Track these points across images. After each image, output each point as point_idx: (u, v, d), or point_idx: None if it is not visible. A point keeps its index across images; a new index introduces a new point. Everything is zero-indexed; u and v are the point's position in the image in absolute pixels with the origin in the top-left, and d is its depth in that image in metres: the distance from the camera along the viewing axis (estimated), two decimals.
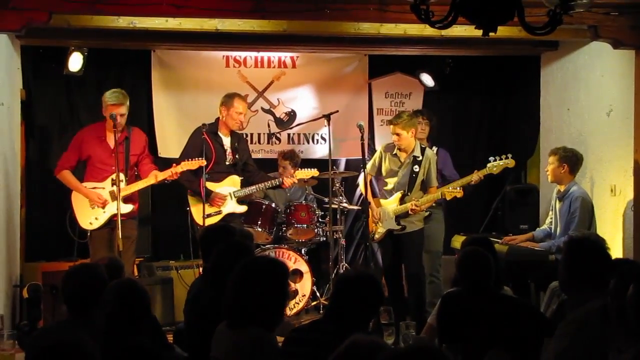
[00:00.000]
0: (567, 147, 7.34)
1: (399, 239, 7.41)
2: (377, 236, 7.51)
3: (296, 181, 7.65)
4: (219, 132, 7.51)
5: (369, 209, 7.45)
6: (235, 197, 7.46)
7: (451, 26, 4.07)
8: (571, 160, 7.19)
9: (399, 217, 7.38)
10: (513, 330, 4.46)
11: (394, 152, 7.44)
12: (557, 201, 7.23)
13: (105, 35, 7.45)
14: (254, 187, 7.53)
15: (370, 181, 7.71)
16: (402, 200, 7.36)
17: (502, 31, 4.24)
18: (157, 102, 8.72)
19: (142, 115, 7.82)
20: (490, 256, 4.80)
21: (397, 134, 7.32)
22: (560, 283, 4.38)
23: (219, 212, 7.39)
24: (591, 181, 7.54)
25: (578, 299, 4.01)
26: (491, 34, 4.08)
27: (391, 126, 7.38)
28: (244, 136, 8.31)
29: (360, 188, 7.59)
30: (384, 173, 7.53)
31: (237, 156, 7.55)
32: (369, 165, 7.60)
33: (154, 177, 7.20)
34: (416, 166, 7.36)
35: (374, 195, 7.71)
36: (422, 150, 7.42)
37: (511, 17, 4.04)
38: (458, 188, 7.41)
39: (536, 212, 8.37)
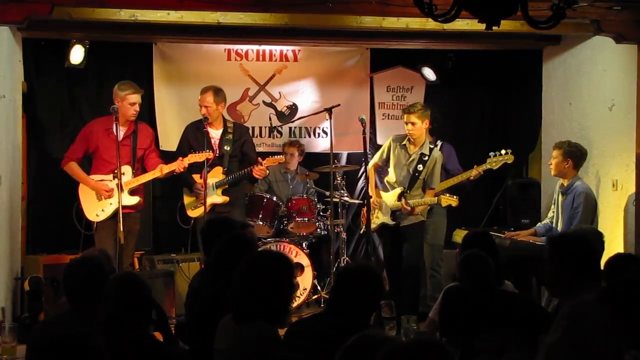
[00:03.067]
0: (572, 142, 7.31)
1: (399, 232, 7.40)
2: (373, 226, 7.47)
3: (264, 169, 7.54)
4: (206, 126, 7.50)
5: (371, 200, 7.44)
6: (216, 187, 7.49)
7: (454, 20, 4.06)
8: (575, 156, 7.18)
9: (394, 212, 7.37)
10: (513, 326, 4.47)
11: (403, 143, 7.39)
12: (560, 195, 7.22)
13: (106, 28, 7.45)
14: (231, 176, 7.53)
15: (377, 171, 7.70)
16: (399, 197, 7.33)
17: (505, 25, 4.23)
18: (159, 95, 8.73)
19: (143, 108, 7.80)
20: (489, 258, 4.79)
21: (412, 123, 7.25)
22: (547, 283, 4.36)
23: (203, 203, 7.42)
24: (593, 176, 7.53)
25: (567, 295, 4.01)
26: (494, 27, 4.08)
27: (405, 115, 7.32)
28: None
29: (370, 180, 7.54)
30: (391, 164, 7.47)
31: (225, 147, 7.55)
32: (377, 156, 7.59)
33: (159, 169, 7.25)
34: (420, 165, 7.30)
35: (376, 186, 7.71)
36: (430, 150, 7.38)
37: (514, 11, 4.03)
38: (454, 197, 7.36)
39: (537, 206, 8.37)
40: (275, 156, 7.73)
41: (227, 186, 7.53)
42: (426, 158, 7.32)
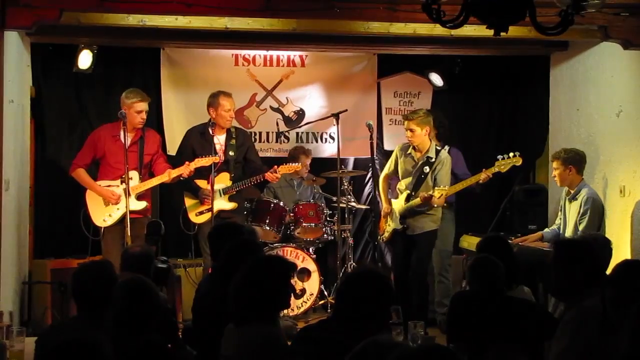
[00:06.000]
0: (567, 149, 7.30)
1: (411, 239, 7.37)
2: (386, 235, 7.49)
3: (279, 176, 7.62)
4: (209, 131, 7.51)
5: (382, 209, 7.44)
6: (224, 194, 7.48)
7: (462, 26, 4.06)
8: (575, 161, 7.15)
9: (403, 217, 7.35)
10: (520, 331, 4.46)
11: (409, 152, 7.38)
12: (567, 202, 7.21)
13: (115, 33, 7.45)
14: (240, 183, 7.55)
15: (387, 181, 7.69)
16: (407, 200, 7.32)
17: (513, 31, 4.23)
18: (166, 100, 8.74)
19: (151, 113, 7.81)
20: (499, 263, 4.79)
21: (411, 130, 7.24)
22: (552, 287, 4.37)
23: (210, 209, 7.41)
24: (600, 182, 7.52)
25: (572, 299, 4.02)
26: (502, 33, 4.08)
27: (405, 122, 7.33)
28: (251, 134, 8.39)
29: (380, 192, 7.58)
30: (399, 173, 7.48)
31: (230, 153, 7.56)
32: (386, 166, 7.63)
33: (167, 174, 7.26)
34: (427, 167, 7.30)
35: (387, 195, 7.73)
36: (437, 153, 7.38)
37: (522, 17, 4.03)
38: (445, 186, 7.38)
39: (545, 212, 8.35)
40: (291, 164, 7.77)
41: (234, 192, 7.54)
42: (432, 160, 7.31)
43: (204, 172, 7.43)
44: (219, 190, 7.47)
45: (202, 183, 7.49)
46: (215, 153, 7.45)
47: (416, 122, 7.23)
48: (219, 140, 7.59)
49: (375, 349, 2.76)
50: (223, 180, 7.52)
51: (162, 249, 8.45)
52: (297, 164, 7.85)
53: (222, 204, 7.50)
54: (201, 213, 7.49)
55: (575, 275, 3.98)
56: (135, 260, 5.16)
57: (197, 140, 7.56)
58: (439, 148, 7.43)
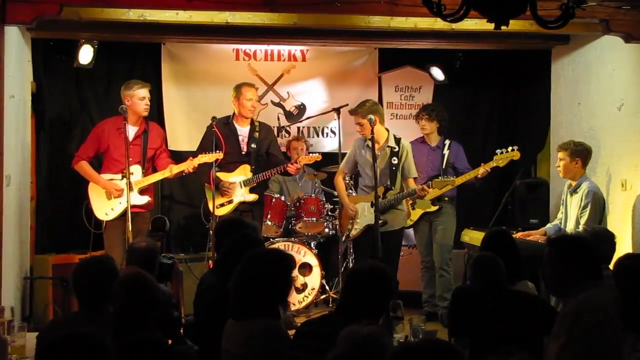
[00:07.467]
0: (576, 141, 7.29)
1: (379, 238, 7.10)
2: (353, 232, 7.35)
3: (300, 167, 7.63)
4: (234, 122, 7.57)
5: (346, 209, 7.39)
6: (244, 185, 7.48)
7: (463, 19, 4.05)
8: (583, 154, 7.15)
9: (381, 212, 7.28)
10: (522, 326, 4.46)
11: (366, 143, 7.20)
12: (569, 195, 7.20)
13: (115, 28, 7.47)
14: (261, 174, 7.55)
15: (344, 178, 7.64)
16: (385, 195, 7.24)
17: (514, 25, 4.23)
18: (167, 95, 8.75)
19: (152, 108, 7.81)
20: (499, 260, 4.79)
21: (359, 124, 7.15)
22: (548, 284, 4.37)
23: (231, 201, 7.44)
24: (602, 176, 7.51)
25: (568, 294, 4.02)
26: (503, 27, 4.07)
27: (354, 117, 7.25)
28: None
29: (339, 191, 7.54)
30: (360, 166, 7.35)
31: (252, 145, 7.57)
32: (342, 164, 7.53)
33: (169, 170, 7.26)
34: (394, 158, 7.22)
35: (349, 194, 7.68)
36: (398, 141, 7.32)
37: (523, 11, 4.03)
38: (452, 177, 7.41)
39: (546, 206, 8.34)
40: (312, 154, 7.77)
41: (254, 184, 7.53)
42: (397, 150, 7.25)
43: (227, 165, 7.48)
44: (240, 182, 7.48)
45: (222, 176, 7.48)
46: (239, 144, 7.52)
47: (360, 115, 7.12)
48: (243, 132, 7.62)
49: (355, 339, 2.77)
50: (244, 172, 7.53)
51: (164, 242, 8.49)
52: (316, 153, 7.83)
53: (243, 195, 7.50)
54: (222, 205, 7.48)
55: (569, 271, 3.98)
56: (141, 254, 5.16)
57: (222, 130, 7.49)
58: (398, 137, 7.36)
